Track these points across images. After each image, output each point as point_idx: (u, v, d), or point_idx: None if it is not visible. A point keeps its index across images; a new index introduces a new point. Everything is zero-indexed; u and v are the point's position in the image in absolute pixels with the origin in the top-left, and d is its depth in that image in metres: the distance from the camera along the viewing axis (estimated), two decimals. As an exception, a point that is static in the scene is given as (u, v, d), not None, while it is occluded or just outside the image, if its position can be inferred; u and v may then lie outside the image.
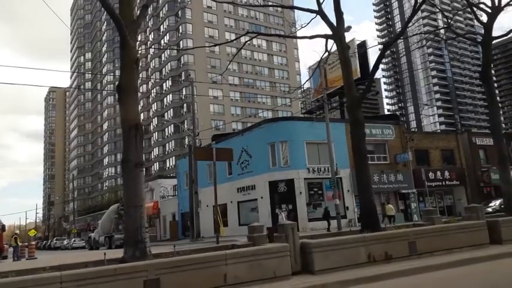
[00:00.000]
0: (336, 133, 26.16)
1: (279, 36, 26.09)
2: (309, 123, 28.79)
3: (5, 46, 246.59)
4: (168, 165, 74.32)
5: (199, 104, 58.87)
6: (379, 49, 15.81)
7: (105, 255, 9.01)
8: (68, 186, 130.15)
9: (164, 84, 78.59)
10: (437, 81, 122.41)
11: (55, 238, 71.83)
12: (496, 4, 17.82)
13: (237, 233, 26.27)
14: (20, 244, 26.18)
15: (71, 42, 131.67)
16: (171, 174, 54.74)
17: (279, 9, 75.48)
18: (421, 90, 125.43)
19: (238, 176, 30.50)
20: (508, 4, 17.97)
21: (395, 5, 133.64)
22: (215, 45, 24.94)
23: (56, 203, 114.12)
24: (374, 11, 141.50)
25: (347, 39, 15.80)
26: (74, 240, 54.58)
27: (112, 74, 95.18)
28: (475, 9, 19.12)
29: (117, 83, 9.72)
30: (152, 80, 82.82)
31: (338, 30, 14.55)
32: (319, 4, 14.77)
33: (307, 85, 39.24)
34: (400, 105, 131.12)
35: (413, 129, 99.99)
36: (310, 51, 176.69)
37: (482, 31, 18.77)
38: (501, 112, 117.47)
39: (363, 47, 34.16)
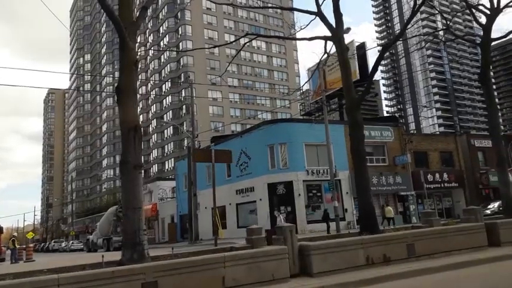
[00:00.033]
0: (335, 135, 26.15)
1: (278, 37, 26.11)
2: (308, 125, 28.76)
3: (4, 46, 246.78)
4: (167, 167, 74.28)
5: (198, 105, 58.92)
6: (378, 51, 15.83)
7: (103, 257, 8.98)
8: (66, 188, 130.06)
9: (163, 86, 78.60)
10: (436, 83, 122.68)
11: (53, 240, 71.68)
12: (495, 6, 17.85)
13: (236, 235, 26.21)
14: (17, 246, 26.11)
15: (70, 44, 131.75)
16: (170, 176, 54.74)
17: (279, 11, 75.67)
18: (420, 92, 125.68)
19: (237, 178, 30.48)
20: (506, 6, 18.00)
21: (394, 6, 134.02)
22: (214, 46, 24.93)
23: (54, 205, 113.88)
24: (373, 12, 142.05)
25: (346, 41, 15.80)
26: (72, 243, 54.55)
27: (111, 75, 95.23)
28: (474, 10, 19.12)
29: (116, 84, 9.71)
30: (151, 82, 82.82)
31: (337, 32, 14.55)
32: (318, 6, 14.78)
33: (306, 87, 39.32)
34: (399, 107, 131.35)
35: (412, 131, 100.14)
36: (310, 53, 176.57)
37: (481, 33, 18.79)
38: (500, 114, 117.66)
39: (362, 48, 34.21)
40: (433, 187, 32.11)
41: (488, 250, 11.17)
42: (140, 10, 10.30)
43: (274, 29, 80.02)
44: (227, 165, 30.46)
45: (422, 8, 17.23)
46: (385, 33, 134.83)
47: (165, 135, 77.65)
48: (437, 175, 32.57)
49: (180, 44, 73.85)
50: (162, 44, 79.67)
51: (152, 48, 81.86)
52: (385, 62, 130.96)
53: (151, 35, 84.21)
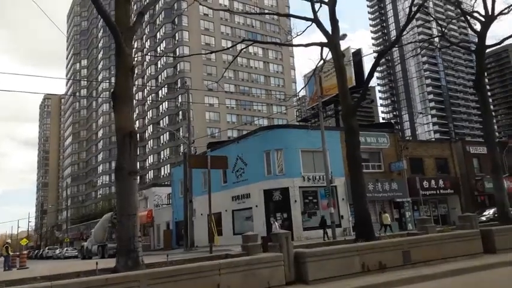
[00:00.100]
0: (331, 141, 26.17)
1: (275, 44, 26.24)
2: (304, 131, 28.78)
3: (1, 52, 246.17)
4: (162, 173, 74.00)
5: (194, 111, 58.96)
6: (374, 57, 15.91)
7: (97, 264, 8.91)
8: (61, 194, 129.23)
9: (160, 92, 78.55)
10: (431, 89, 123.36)
11: (47, 247, 71.03)
12: (490, 13, 18.03)
13: (232, 242, 26.08)
14: (11, 253, 25.83)
15: (67, 49, 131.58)
16: (166, 183, 54.55)
17: (275, 17, 75.86)
18: (415, 99, 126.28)
19: (233, 184, 30.39)
20: (501, 13, 18.18)
21: (390, 13, 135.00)
22: (211, 52, 25.03)
23: (49, 211, 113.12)
24: (369, 19, 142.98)
25: (342, 48, 15.89)
26: (67, 250, 54.04)
27: (108, 81, 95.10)
28: (468, 18, 19.30)
29: (112, 90, 9.68)
30: (148, 87, 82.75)
31: (333, 39, 14.63)
32: (314, 12, 14.86)
33: (302, 93, 39.42)
34: (394, 113, 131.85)
35: (407, 138, 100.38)
36: (306, 59, 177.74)
37: (476, 40, 18.95)
38: (494, 121, 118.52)
39: (358, 55, 34.38)
40: (428, 194, 32.14)
41: (484, 257, 11.18)
42: (137, 16, 10.31)
43: (271, 35, 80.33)
44: (223, 172, 30.38)
45: (418, 15, 17.35)
46: (381, 39, 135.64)
47: (161, 141, 77.46)
48: (432, 182, 32.64)
49: (177, 49, 73.95)
50: (159, 49, 79.73)
51: (149, 53, 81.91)
52: (381, 68, 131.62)
53: (148, 40, 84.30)
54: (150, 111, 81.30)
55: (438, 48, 30.40)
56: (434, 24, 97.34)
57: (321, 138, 24.66)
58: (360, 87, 26.85)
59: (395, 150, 31.77)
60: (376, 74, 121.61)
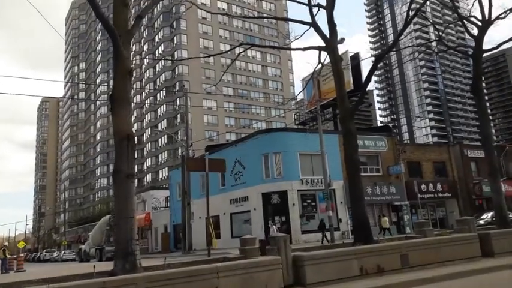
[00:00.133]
0: (329, 144, 26.20)
1: (273, 47, 26.34)
2: (302, 135, 28.81)
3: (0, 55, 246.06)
4: (161, 176, 73.89)
5: (193, 114, 58.95)
6: (372, 61, 15.95)
7: (95, 267, 8.87)
8: (59, 197, 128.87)
9: (158, 95, 78.58)
10: (429, 93, 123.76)
11: (45, 250, 70.81)
12: (487, 18, 18.11)
13: (230, 245, 26.04)
14: (8, 256, 25.73)
15: (65, 52, 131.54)
16: (164, 185, 54.42)
17: (273, 21, 76.16)
18: (413, 102, 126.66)
19: (232, 188, 30.36)
20: (498, 18, 18.28)
21: (388, 18, 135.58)
22: (209, 56, 25.02)
23: (46, 214, 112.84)
24: (367, 23, 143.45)
25: (340, 51, 15.93)
26: (64, 253, 53.87)
27: (106, 84, 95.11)
28: (466, 22, 19.39)
29: (110, 93, 9.68)
30: (146, 90, 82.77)
31: (331, 42, 14.67)
32: (312, 16, 14.91)
33: (300, 96, 39.47)
34: (392, 117, 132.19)
35: (405, 141, 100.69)
36: (304, 63, 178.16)
37: (473, 44, 19.03)
38: (492, 124, 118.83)
39: (355, 59, 34.47)
40: (426, 197, 32.17)
41: (482, 260, 11.18)
42: (135, 19, 10.32)
43: (269, 39, 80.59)
44: (221, 175, 30.37)
45: (415, 19, 17.47)
46: (378, 44, 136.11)
47: (160, 144, 77.42)
48: (430, 185, 32.68)
49: (175, 53, 74.05)
50: (157, 53, 79.84)
51: (147, 57, 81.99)
52: (379, 72, 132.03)
53: (147, 43, 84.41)
54: (149, 114, 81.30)
55: (436, 53, 30.52)
56: (431, 29, 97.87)
57: (319, 141, 24.69)
58: (357, 91, 26.91)
59: (393, 154, 31.82)
60: (374, 78, 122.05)
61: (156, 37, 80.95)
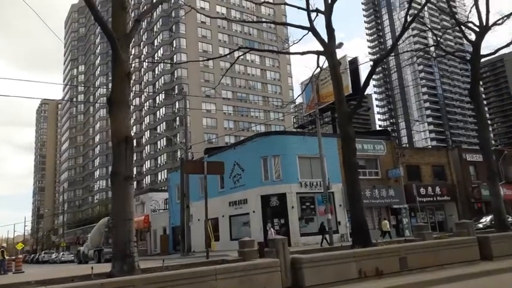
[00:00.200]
0: (328, 148, 26.24)
1: (271, 51, 26.41)
2: (301, 138, 28.84)
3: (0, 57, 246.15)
4: (159, 179, 73.82)
5: (192, 117, 58.89)
6: (371, 65, 16.02)
7: (93, 269, 8.86)
8: (58, 199, 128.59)
9: (157, 98, 78.66)
10: (428, 97, 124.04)
11: (43, 252, 70.58)
12: (484, 23, 18.23)
13: (229, 247, 26.00)
14: (6, 258, 25.66)
15: (64, 55, 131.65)
16: (163, 188, 54.36)
17: (272, 25, 76.30)
18: (412, 107, 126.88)
19: (231, 190, 30.35)
20: (495, 24, 18.41)
21: (386, 23, 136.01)
22: (208, 59, 25.16)
23: (45, 215, 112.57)
24: (365, 28, 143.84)
25: (339, 56, 16.02)
26: (63, 254, 53.69)
27: (105, 86, 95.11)
28: (463, 28, 19.50)
29: (108, 95, 9.71)
30: (145, 93, 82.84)
31: (329, 47, 14.73)
32: (310, 21, 14.97)
33: (299, 100, 39.57)
34: (391, 121, 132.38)
35: (404, 145, 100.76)
36: (303, 67, 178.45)
37: (471, 49, 19.13)
38: (490, 129, 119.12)
39: (354, 63, 34.56)
40: (425, 200, 32.19)
41: (481, 264, 11.19)
42: (134, 23, 10.35)
43: (267, 43, 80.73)
44: (220, 177, 30.35)
45: (414, 24, 17.57)
46: (377, 48, 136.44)
47: (158, 147, 77.40)
48: (429, 188, 32.70)
49: (175, 56, 74.14)
50: (156, 56, 79.95)
51: (146, 60, 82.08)
52: (378, 76, 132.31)
53: (146, 47, 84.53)
54: (148, 116, 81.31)
55: (434, 57, 30.63)
56: (430, 34, 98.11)
57: (318, 144, 24.71)
58: (356, 95, 26.95)
59: (392, 157, 31.86)
60: (372, 82, 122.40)
61: (156, 40, 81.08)
